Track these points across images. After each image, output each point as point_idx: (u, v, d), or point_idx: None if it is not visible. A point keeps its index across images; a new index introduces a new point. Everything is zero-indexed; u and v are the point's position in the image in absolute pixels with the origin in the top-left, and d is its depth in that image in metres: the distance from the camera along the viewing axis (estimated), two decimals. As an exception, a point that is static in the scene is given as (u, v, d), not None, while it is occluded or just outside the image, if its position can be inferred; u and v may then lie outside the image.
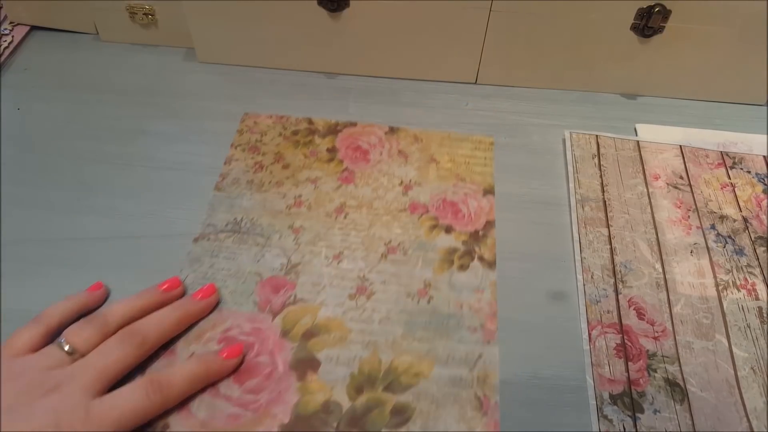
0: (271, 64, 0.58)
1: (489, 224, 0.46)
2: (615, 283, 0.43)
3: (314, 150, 0.51)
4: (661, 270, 0.44)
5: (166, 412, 0.35)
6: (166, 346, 0.38)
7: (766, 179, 0.50)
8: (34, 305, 0.40)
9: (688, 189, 0.49)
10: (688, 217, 0.47)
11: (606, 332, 0.41)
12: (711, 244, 0.46)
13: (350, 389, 0.37)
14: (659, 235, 0.46)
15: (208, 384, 0.37)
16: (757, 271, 0.44)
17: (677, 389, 0.38)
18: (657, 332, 0.41)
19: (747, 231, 0.47)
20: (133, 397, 0.33)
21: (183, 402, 0.36)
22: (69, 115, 0.53)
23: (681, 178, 0.50)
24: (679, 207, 0.48)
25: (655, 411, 0.37)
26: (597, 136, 0.53)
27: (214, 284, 0.41)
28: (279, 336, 0.39)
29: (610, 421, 0.37)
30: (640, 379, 0.39)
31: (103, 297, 0.40)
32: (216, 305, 0.41)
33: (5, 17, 0.61)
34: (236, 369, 0.38)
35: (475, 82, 0.58)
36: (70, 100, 0.55)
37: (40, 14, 0.61)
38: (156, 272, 0.42)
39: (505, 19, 0.53)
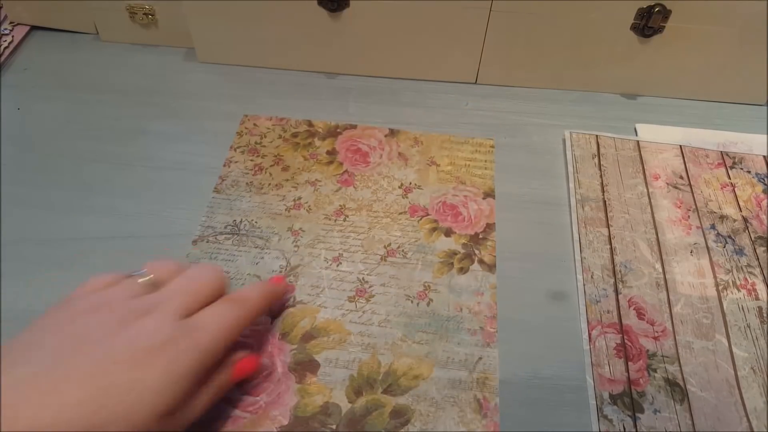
0: (271, 64, 0.58)
1: (489, 227, 0.46)
2: (615, 283, 0.43)
3: (314, 152, 0.51)
4: (661, 270, 0.44)
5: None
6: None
7: (766, 179, 0.50)
8: (34, 305, 0.40)
9: (688, 189, 0.49)
10: (688, 217, 0.47)
11: (606, 332, 0.41)
12: (711, 244, 0.46)
13: (349, 391, 0.37)
14: (659, 235, 0.46)
15: (272, 304, 0.39)
16: (757, 271, 0.44)
17: (677, 389, 0.38)
18: (657, 332, 0.41)
19: (747, 231, 0.47)
20: (221, 312, 0.34)
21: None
22: (69, 115, 0.53)
23: (681, 178, 0.50)
24: (679, 207, 0.48)
25: (655, 411, 0.37)
26: (597, 136, 0.53)
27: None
28: (278, 338, 0.39)
29: (610, 421, 0.37)
30: (640, 379, 0.39)
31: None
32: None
33: (5, 17, 0.61)
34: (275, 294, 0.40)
35: (475, 82, 0.58)
36: (70, 100, 0.55)
37: (40, 14, 0.61)
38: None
39: (505, 19, 0.53)
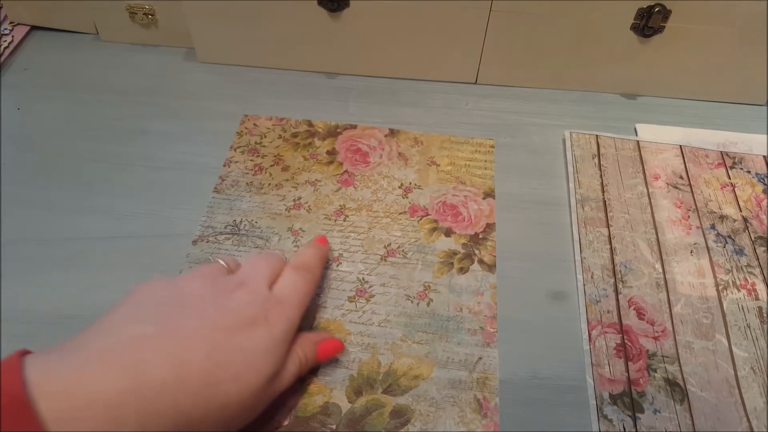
0: (271, 64, 0.58)
1: (489, 227, 0.46)
2: (615, 283, 0.43)
3: (314, 152, 0.51)
4: (661, 270, 0.44)
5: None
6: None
7: (766, 179, 0.50)
8: (34, 305, 0.40)
9: (688, 189, 0.49)
10: (688, 217, 0.47)
11: (606, 332, 0.41)
12: (711, 244, 0.46)
13: (349, 391, 0.37)
14: (659, 235, 0.46)
15: (324, 263, 0.42)
16: (757, 271, 0.44)
17: (677, 389, 0.38)
18: (657, 332, 0.41)
19: (747, 231, 0.47)
20: (295, 283, 0.36)
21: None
22: (69, 115, 0.53)
23: (681, 178, 0.50)
24: (679, 207, 0.48)
25: (655, 411, 0.37)
26: (597, 136, 0.53)
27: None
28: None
29: (610, 421, 0.37)
30: (640, 379, 0.39)
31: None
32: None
33: (5, 17, 0.61)
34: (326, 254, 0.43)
35: (475, 82, 0.58)
36: (70, 100, 0.55)
37: (40, 14, 0.61)
38: (155, 272, 0.42)
39: (505, 19, 0.53)
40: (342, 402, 0.37)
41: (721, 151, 0.52)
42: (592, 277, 0.44)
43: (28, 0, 0.59)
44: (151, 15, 0.58)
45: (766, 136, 0.54)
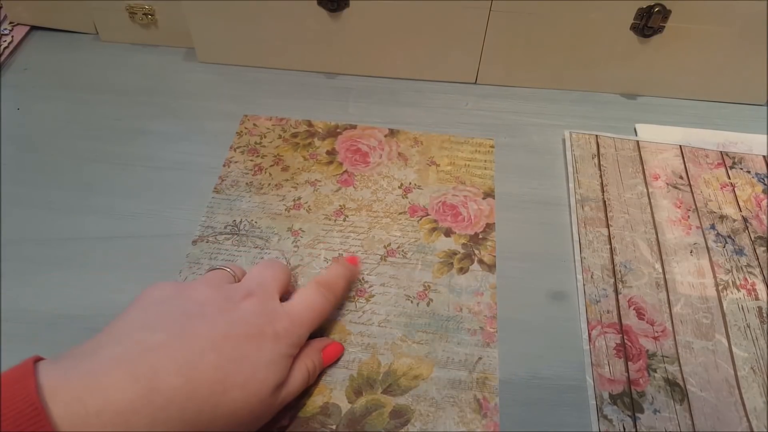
0: (271, 64, 0.58)
1: (489, 227, 0.46)
2: (615, 283, 0.43)
3: (314, 152, 0.51)
4: (661, 270, 0.44)
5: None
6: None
7: (766, 179, 0.50)
8: (34, 305, 0.40)
9: (688, 189, 0.49)
10: (688, 217, 0.47)
11: (606, 332, 0.41)
12: (711, 244, 0.46)
13: (349, 391, 0.37)
14: (659, 235, 0.46)
15: (351, 285, 0.41)
16: (757, 271, 0.44)
17: (677, 389, 0.38)
18: (657, 332, 0.41)
19: (747, 231, 0.47)
20: (314, 297, 0.36)
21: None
22: (69, 115, 0.53)
23: (681, 178, 0.50)
24: (679, 207, 0.48)
25: (655, 411, 0.37)
26: (597, 136, 0.53)
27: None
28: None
29: (610, 421, 0.37)
30: (640, 379, 0.39)
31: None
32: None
33: (5, 17, 0.61)
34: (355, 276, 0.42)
35: (475, 82, 0.58)
36: (70, 100, 0.55)
37: (40, 14, 0.61)
38: (155, 272, 0.42)
39: (505, 19, 0.53)
40: (342, 402, 0.37)
41: (721, 151, 0.52)
42: (592, 277, 0.44)
43: (28, 0, 0.59)
44: (151, 15, 0.58)
45: (766, 136, 0.54)
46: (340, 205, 0.47)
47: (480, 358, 0.39)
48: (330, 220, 0.46)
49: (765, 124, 0.56)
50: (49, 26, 0.61)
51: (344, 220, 0.46)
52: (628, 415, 0.37)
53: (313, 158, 0.51)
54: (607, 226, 0.47)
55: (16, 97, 0.55)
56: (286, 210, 0.47)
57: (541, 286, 0.43)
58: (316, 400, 0.37)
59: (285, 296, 0.37)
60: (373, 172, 0.50)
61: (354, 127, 0.53)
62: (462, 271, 0.44)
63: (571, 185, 0.49)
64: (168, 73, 0.58)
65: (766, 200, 0.49)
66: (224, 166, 0.50)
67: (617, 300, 0.42)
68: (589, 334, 0.41)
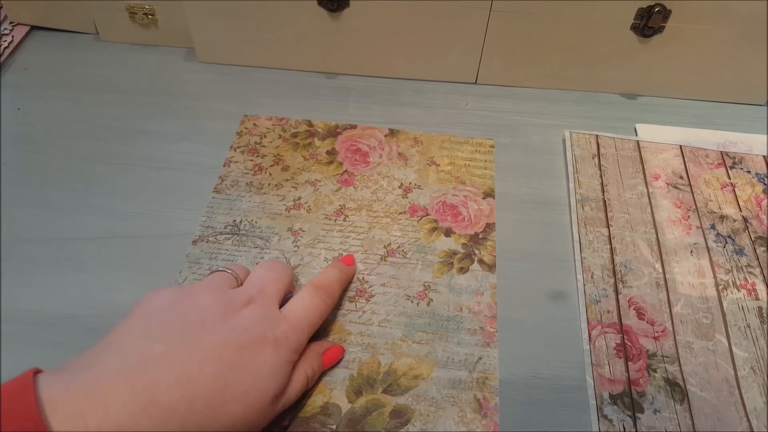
0: (271, 64, 0.58)
1: (489, 227, 0.46)
2: (615, 283, 0.43)
3: (314, 152, 0.51)
4: (661, 270, 0.44)
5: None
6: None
7: (766, 179, 0.50)
8: (34, 305, 0.40)
9: (688, 189, 0.49)
10: (688, 217, 0.47)
11: (606, 332, 0.41)
12: (711, 244, 0.46)
13: (349, 391, 0.37)
14: (659, 235, 0.46)
15: (345, 286, 0.41)
16: (757, 271, 0.44)
17: (677, 389, 0.38)
18: (657, 332, 0.41)
19: (747, 231, 0.47)
20: (312, 302, 0.36)
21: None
22: (69, 115, 0.53)
23: (681, 178, 0.50)
24: (679, 207, 0.48)
25: (655, 411, 0.37)
26: (597, 136, 0.53)
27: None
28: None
29: (610, 421, 0.37)
30: (640, 379, 0.39)
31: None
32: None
33: (5, 17, 0.61)
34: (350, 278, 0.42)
35: (475, 82, 0.58)
36: (70, 99, 0.55)
37: (40, 14, 0.61)
38: (155, 272, 0.42)
39: (505, 19, 0.53)
40: (342, 402, 0.37)
41: (721, 151, 0.52)
42: (592, 277, 0.44)
43: (28, 0, 0.59)
44: (151, 15, 0.58)
45: (766, 136, 0.54)
46: (340, 205, 0.47)
47: (480, 358, 0.39)
48: (330, 220, 0.46)
49: (765, 124, 0.56)
50: (49, 26, 0.61)
51: (344, 220, 0.46)
52: (628, 415, 0.37)
53: (313, 158, 0.51)
54: (608, 226, 0.47)
55: (16, 97, 0.55)
56: (286, 210, 0.47)
57: (541, 286, 0.43)
58: (316, 400, 0.37)
59: (287, 296, 0.37)
60: (373, 172, 0.50)
61: (354, 127, 0.53)
62: (462, 271, 0.44)
63: (571, 185, 0.49)
64: (168, 73, 0.58)
65: (766, 200, 0.49)
66: (224, 166, 0.50)
67: (617, 300, 0.42)
68: (589, 334, 0.41)
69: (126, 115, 0.54)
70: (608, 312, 0.42)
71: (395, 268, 0.43)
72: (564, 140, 0.53)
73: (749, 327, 0.41)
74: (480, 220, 0.47)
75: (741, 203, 0.48)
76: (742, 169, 0.51)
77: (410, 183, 0.49)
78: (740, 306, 0.42)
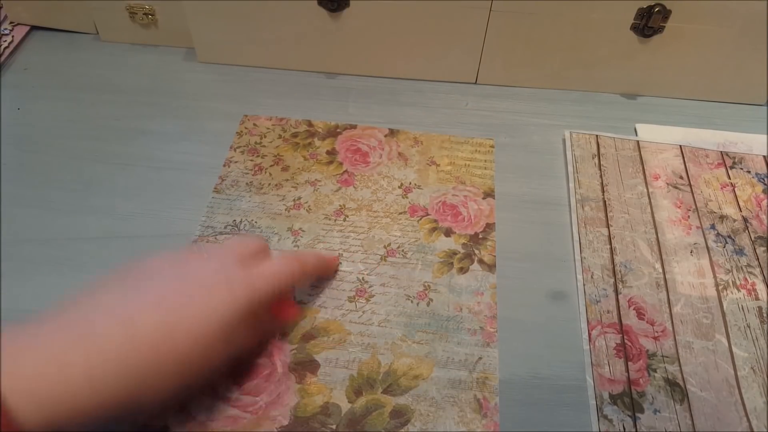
0: (271, 64, 0.58)
1: (489, 227, 0.46)
2: (615, 283, 0.43)
3: (314, 152, 0.51)
4: (661, 270, 0.44)
5: (165, 415, 0.35)
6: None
7: (766, 179, 0.50)
8: (34, 305, 0.40)
9: (688, 189, 0.49)
10: (688, 217, 0.47)
11: (606, 332, 0.41)
12: (711, 244, 0.46)
13: (349, 391, 0.37)
14: (659, 235, 0.46)
15: (322, 275, 0.42)
16: (757, 271, 0.44)
17: (677, 389, 0.38)
18: (657, 332, 0.41)
19: (747, 231, 0.47)
20: (278, 265, 0.37)
21: (182, 403, 0.36)
22: (69, 114, 0.53)
23: (681, 178, 0.50)
24: (679, 207, 0.48)
25: (655, 411, 0.37)
26: (597, 136, 0.53)
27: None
28: (278, 338, 0.39)
29: (610, 421, 0.37)
30: (640, 379, 0.39)
31: None
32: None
33: (5, 17, 0.61)
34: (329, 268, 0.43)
35: (475, 82, 0.58)
36: (70, 99, 0.55)
37: (40, 14, 0.61)
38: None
39: (505, 19, 0.53)
40: (342, 402, 0.37)
41: (721, 151, 0.52)
42: (592, 277, 0.44)
43: (28, 0, 0.59)
44: (151, 15, 0.58)
45: (766, 136, 0.54)
46: (340, 205, 0.47)
47: (480, 358, 0.39)
48: (330, 219, 0.46)
49: (765, 124, 0.56)
50: (49, 26, 0.61)
51: (344, 220, 0.46)
52: (628, 415, 0.37)
53: (313, 158, 0.51)
54: (607, 226, 0.47)
55: (16, 97, 0.55)
56: (286, 210, 0.47)
57: (541, 286, 0.43)
58: (316, 400, 0.37)
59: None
60: (373, 172, 0.50)
61: (354, 127, 0.53)
62: (462, 271, 0.44)
63: (571, 185, 0.49)
64: (168, 73, 0.58)
65: (766, 200, 0.49)
66: (224, 166, 0.50)
67: (617, 300, 0.42)
68: (589, 334, 0.41)
69: (126, 115, 0.54)
70: (608, 312, 0.42)
71: (395, 268, 0.43)
72: (564, 140, 0.53)
73: (749, 327, 0.41)
74: (480, 220, 0.47)
75: (741, 203, 0.48)
76: (742, 169, 0.51)
77: (410, 183, 0.49)
78: (740, 306, 0.42)
